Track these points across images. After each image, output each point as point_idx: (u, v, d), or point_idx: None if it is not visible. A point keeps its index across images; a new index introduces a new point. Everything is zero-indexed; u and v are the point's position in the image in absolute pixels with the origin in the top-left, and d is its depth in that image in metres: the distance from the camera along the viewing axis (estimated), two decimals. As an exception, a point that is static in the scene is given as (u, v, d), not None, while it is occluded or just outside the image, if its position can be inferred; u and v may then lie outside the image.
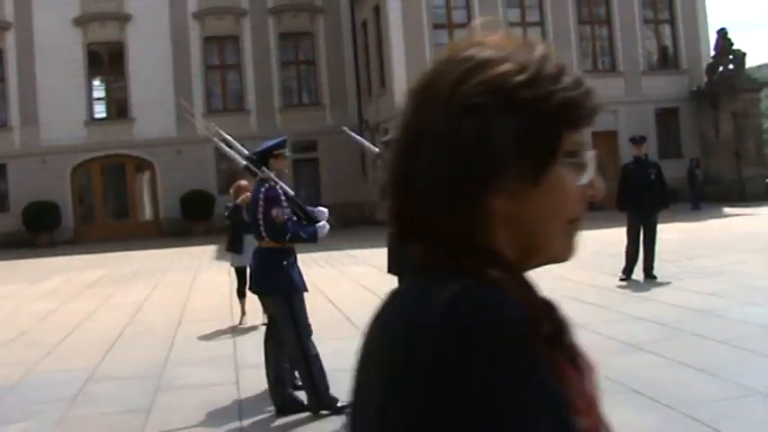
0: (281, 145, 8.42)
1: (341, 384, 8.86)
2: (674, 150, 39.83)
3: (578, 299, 13.39)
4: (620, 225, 16.05)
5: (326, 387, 7.93)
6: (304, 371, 7.97)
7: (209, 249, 30.05)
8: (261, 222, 7.92)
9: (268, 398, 8.29)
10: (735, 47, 40.89)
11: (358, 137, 9.89)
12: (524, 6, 40.41)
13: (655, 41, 42.98)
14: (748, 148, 39.53)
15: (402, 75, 38.09)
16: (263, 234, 7.97)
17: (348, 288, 17.23)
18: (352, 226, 38.49)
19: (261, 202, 7.91)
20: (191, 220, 41.51)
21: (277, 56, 45.33)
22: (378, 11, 40.72)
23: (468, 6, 39.31)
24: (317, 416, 7.86)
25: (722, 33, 41.33)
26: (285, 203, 7.98)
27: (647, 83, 40.78)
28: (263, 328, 9.31)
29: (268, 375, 8.27)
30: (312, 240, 8.19)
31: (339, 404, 7.76)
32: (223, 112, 43.95)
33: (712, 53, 41.77)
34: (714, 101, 39.80)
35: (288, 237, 7.96)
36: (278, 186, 8.03)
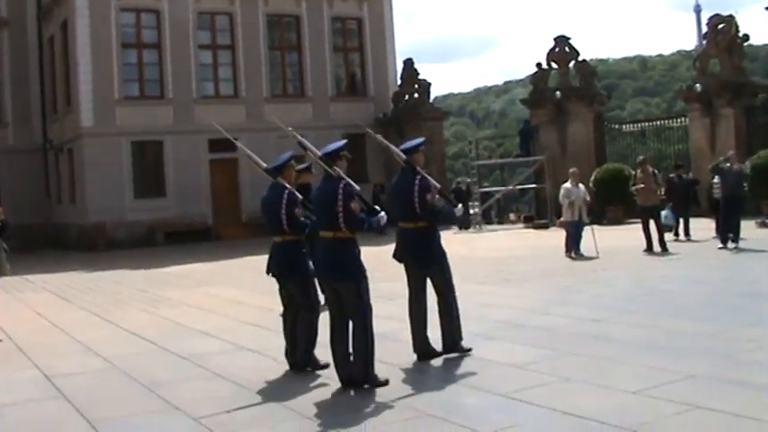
0: (345, 147, 9.43)
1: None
2: (361, 175, 40.64)
3: (257, 324, 13.37)
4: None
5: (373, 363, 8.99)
6: (365, 343, 8.86)
7: None
8: (341, 215, 8.78)
9: None
10: (420, 77, 42.34)
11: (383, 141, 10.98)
12: (215, 29, 40.32)
13: (344, 69, 43.86)
14: (431, 174, 40.85)
15: (88, 93, 37.14)
16: (342, 225, 8.80)
17: (22, 316, 16.44)
18: (36, 249, 37.07)
19: (340, 198, 8.80)
20: None
21: (-45, 70, 42.85)
22: (65, 27, 39.48)
23: (158, 27, 38.80)
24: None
25: (408, 64, 42.71)
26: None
27: (335, 109, 41.50)
28: None
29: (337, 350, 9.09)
30: (377, 229, 9.19)
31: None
32: None
33: (399, 82, 43.10)
34: (399, 128, 41.02)
35: (365, 227, 9.01)
36: (351, 184, 9.01)
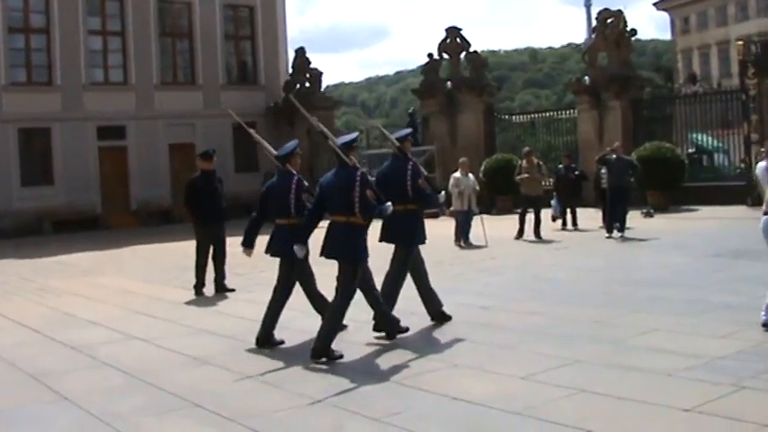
0: (357, 138, 10.43)
1: None
2: (251, 164, 40.38)
3: (146, 313, 13.28)
4: (194, 238, 15.96)
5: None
6: (333, 323, 9.62)
7: None
8: (357, 201, 9.36)
9: None
10: (312, 66, 42.23)
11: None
12: (105, 15, 39.55)
13: (235, 57, 43.51)
14: (322, 164, 40.91)
15: (-28, 79, 36.17)
16: (357, 211, 9.39)
17: None
18: None
19: (358, 185, 9.37)
20: None
21: None
22: (-51, 9, 38.35)
23: (47, 11, 37.91)
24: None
25: (300, 53, 42.56)
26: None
27: (225, 97, 41.03)
28: None
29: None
30: (383, 217, 9.96)
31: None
32: None
33: (290, 71, 42.95)
34: (290, 117, 40.88)
35: (376, 213, 9.63)
36: (367, 173, 9.72)
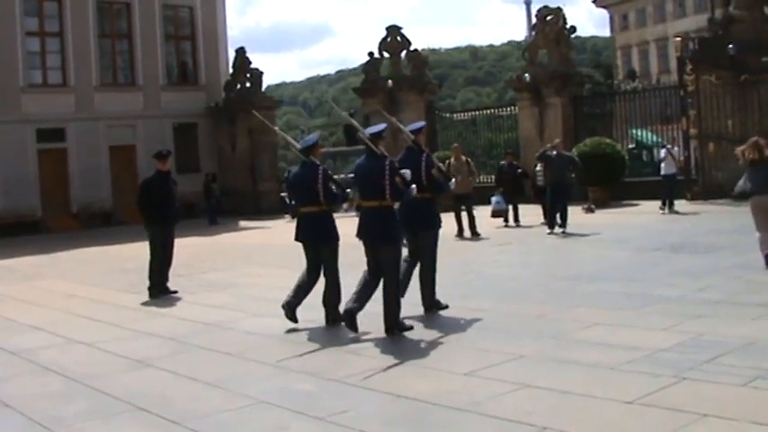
0: (386, 129, 11.07)
1: None
2: (192, 165, 40.23)
3: (89, 316, 13.15)
4: (136, 240, 15.82)
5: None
6: (395, 295, 10.41)
7: None
8: (388, 187, 10.15)
9: None
10: (253, 66, 42.14)
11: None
12: (43, 16, 39.12)
13: (175, 57, 43.25)
14: (263, 164, 40.86)
15: None
16: (387, 196, 10.21)
17: None
18: None
19: (387, 173, 10.14)
20: None
21: None
22: None
23: (-18, 13, 37.43)
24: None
25: (241, 53, 42.46)
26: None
27: (166, 98, 40.92)
28: None
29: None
30: (410, 199, 10.57)
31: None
32: None
33: (231, 71, 42.81)
34: (231, 117, 40.77)
35: (404, 197, 10.42)
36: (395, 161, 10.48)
